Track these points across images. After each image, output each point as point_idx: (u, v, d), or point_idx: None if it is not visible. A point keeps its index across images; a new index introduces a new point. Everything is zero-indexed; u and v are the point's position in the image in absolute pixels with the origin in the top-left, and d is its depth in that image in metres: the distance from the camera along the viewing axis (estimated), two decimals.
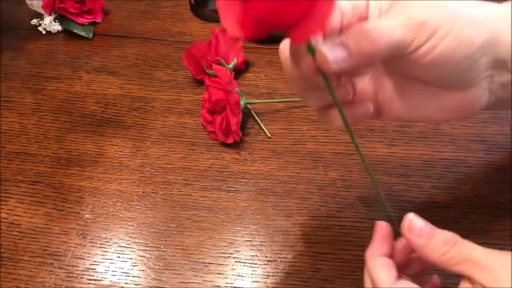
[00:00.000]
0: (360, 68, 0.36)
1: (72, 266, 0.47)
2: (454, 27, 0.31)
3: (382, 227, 0.37)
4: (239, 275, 0.46)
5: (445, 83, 0.34)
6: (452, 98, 0.34)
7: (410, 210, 0.35)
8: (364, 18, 0.33)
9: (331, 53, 0.31)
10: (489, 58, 0.33)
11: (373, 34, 0.30)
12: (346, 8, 0.34)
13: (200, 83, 0.60)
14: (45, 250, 0.48)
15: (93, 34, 0.67)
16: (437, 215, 0.48)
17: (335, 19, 0.33)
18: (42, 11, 0.68)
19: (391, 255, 0.36)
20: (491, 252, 0.32)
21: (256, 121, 0.56)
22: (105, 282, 0.46)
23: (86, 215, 0.51)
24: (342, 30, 0.33)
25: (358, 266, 0.46)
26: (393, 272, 0.35)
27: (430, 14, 0.31)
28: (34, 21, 0.69)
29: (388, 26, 0.31)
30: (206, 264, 0.47)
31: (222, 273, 0.46)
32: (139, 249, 0.48)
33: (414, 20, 0.31)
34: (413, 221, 0.35)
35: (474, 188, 0.50)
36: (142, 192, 0.52)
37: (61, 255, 0.48)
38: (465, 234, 0.33)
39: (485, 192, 0.49)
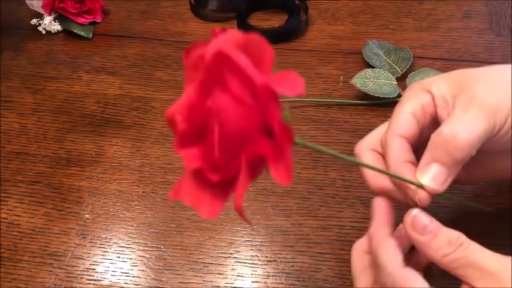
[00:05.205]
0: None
1: (72, 266, 0.47)
2: None
3: (380, 203, 0.35)
4: (239, 275, 0.46)
5: None
6: None
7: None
8: (434, 115, 0.35)
9: (434, 179, 0.32)
10: None
11: (461, 140, 0.31)
12: (417, 111, 0.34)
13: None
14: (44, 250, 0.48)
15: (93, 34, 0.67)
16: (437, 215, 0.48)
17: (409, 127, 0.34)
18: (42, 11, 0.68)
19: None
20: (498, 259, 0.30)
21: None
22: (105, 282, 0.46)
23: (86, 215, 0.50)
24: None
25: None
26: (400, 256, 0.32)
27: (499, 95, 0.32)
28: (34, 21, 0.69)
29: (468, 124, 0.31)
30: (206, 265, 0.47)
31: (222, 273, 0.46)
32: (139, 250, 0.48)
33: (489, 106, 0.31)
34: (417, 217, 0.33)
35: (474, 188, 0.50)
36: (142, 192, 0.52)
37: (61, 255, 0.48)
38: (465, 235, 0.33)
39: (485, 192, 0.49)
